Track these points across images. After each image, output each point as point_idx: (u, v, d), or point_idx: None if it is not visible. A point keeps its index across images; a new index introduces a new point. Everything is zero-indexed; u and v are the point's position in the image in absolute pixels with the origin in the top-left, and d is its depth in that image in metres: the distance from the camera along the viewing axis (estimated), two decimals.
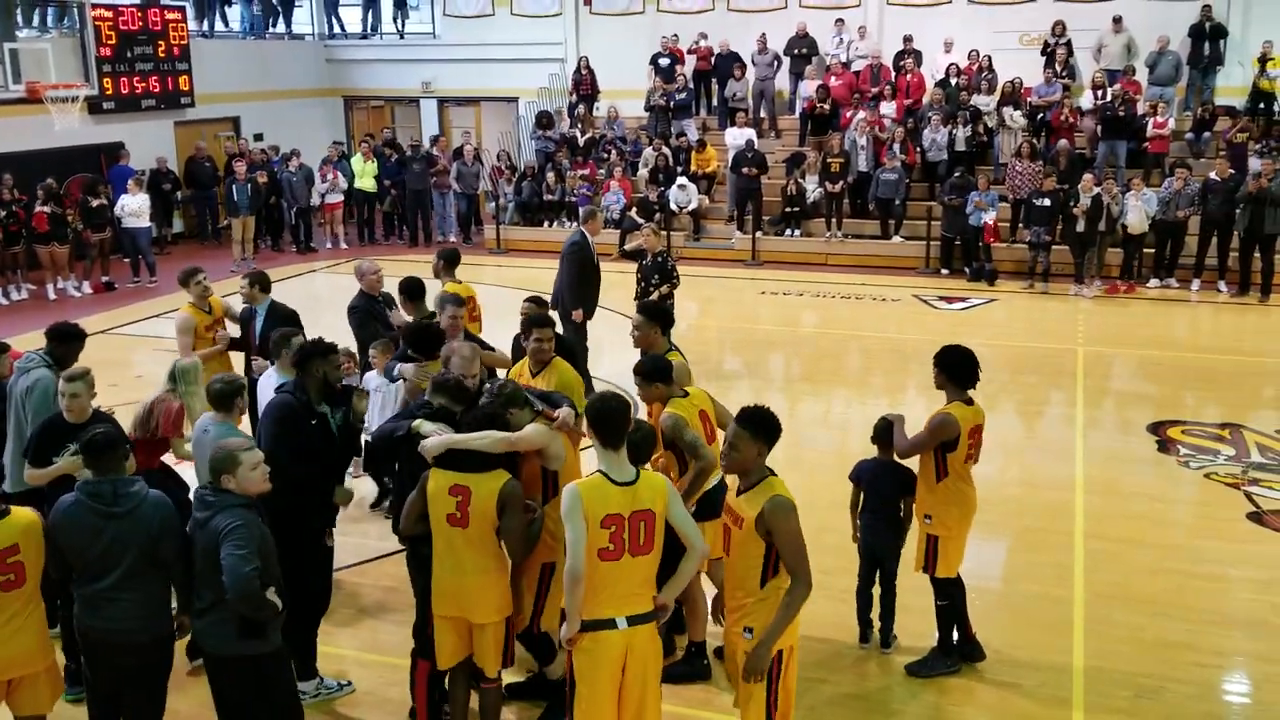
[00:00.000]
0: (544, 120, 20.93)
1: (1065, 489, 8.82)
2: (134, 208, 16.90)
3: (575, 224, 19.10)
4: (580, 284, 10.49)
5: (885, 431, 6.41)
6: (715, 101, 21.05)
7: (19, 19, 18.01)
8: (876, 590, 6.50)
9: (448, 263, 8.95)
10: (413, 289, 8.09)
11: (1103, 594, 7.15)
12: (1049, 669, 6.29)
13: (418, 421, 5.23)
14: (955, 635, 6.27)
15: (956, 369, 6.04)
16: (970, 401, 6.06)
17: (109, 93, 18.74)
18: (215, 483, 4.69)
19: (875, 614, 6.53)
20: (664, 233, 18.00)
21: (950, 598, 6.17)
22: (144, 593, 4.80)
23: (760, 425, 4.64)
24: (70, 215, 16.23)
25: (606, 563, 4.45)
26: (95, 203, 16.66)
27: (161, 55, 19.84)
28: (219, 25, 23.04)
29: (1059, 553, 7.70)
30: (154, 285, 16.73)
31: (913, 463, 6.25)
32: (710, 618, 5.52)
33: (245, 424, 6.90)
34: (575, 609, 4.50)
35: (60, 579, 4.99)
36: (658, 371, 5.72)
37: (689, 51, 20.97)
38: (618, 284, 12.72)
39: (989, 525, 7.67)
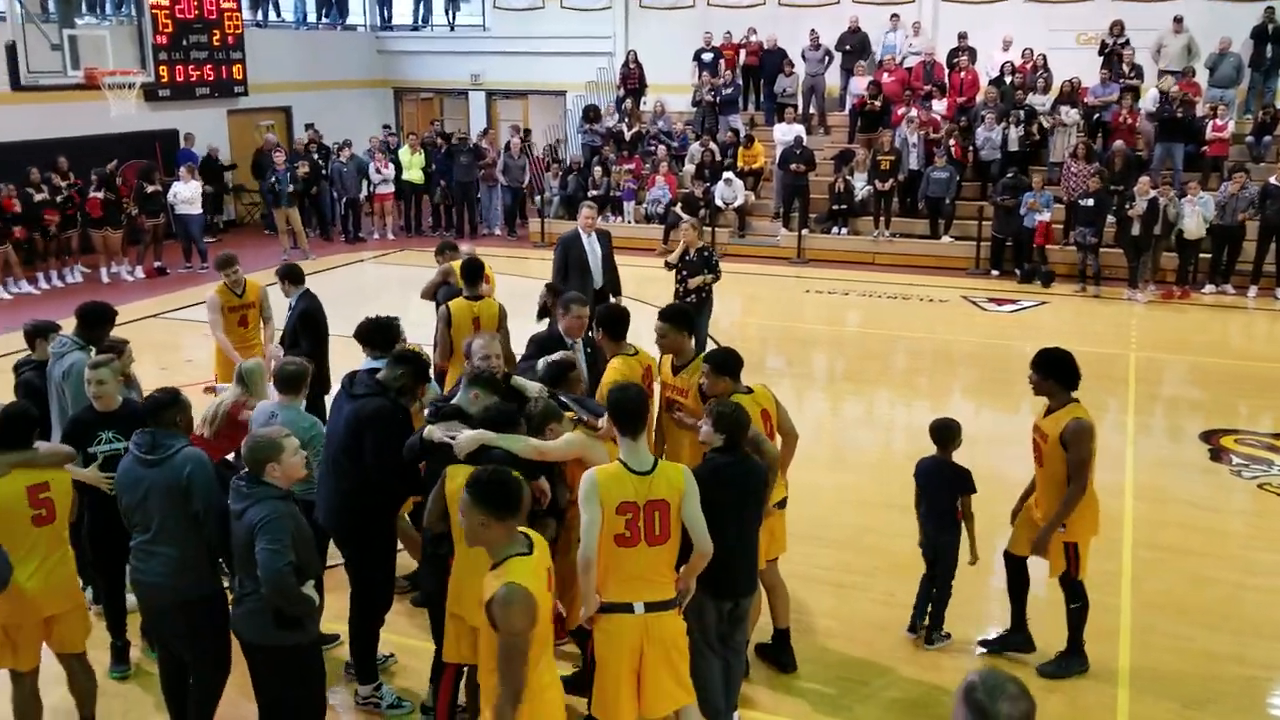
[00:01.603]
0: (591, 114, 20.94)
1: (1114, 496, 8.65)
2: (186, 195, 17.14)
3: (619, 218, 19.23)
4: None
5: (942, 430, 6.35)
6: (763, 97, 20.95)
7: (79, 6, 18.28)
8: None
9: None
10: (473, 270, 8.16)
11: (1150, 603, 7.02)
12: (1093, 677, 6.17)
13: (427, 430, 5.18)
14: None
15: (1058, 367, 5.92)
16: (1078, 401, 5.98)
17: (164, 80, 18.98)
18: (258, 473, 4.65)
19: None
20: (708, 228, 18.00)
21: (1082, 599, 6.10)
22: (180, 548, 4.93)
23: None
24: (125, 201, 16.52)
25: (623, 549, 4.56)
26: (150, 189, 16.93)
27: (216, 44, 20.09)
28: (272, 15, 23.26)
29: (1106, 560, 7.55)
30: (205, 271, 16.92)
31: (971, 462, 6.16)
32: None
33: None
34: (589, 591, 4.62)
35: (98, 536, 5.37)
36: (728, 364, 5.68)
37: (738, 46, 20.88)
38: (664, 279, 12.66)
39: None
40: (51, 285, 16.05)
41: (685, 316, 6.38)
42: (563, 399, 5.62)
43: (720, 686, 5.19)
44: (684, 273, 10.82)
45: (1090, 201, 15.54)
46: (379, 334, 6.18)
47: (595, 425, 5.34)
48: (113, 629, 6.06)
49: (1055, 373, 5.92)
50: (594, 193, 19.52)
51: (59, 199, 15.90)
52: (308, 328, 8.27)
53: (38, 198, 15.58)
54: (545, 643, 4.06)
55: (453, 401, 5.44)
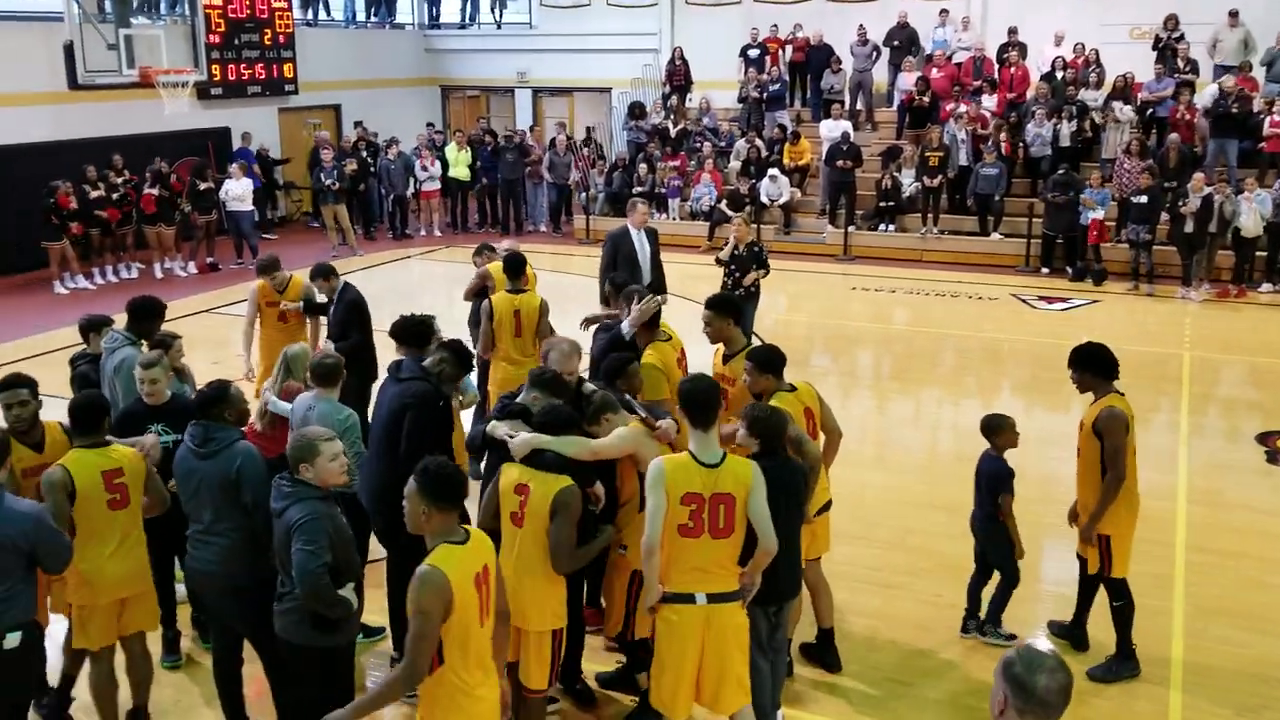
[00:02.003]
0: (636, 111, 20.94)
1: (1167, 498, 8.51)
2: (237, 192, 17.37)
3: (664, 215, 19.22)
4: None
5: (987, 424, 6.33)
6: (810, 93, 20.83)
7: (134, 5, 18.60)
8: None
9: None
10: (515, 265, 8.22)
11: (1204, 608, 6.89)
12: (1145, 682, 6.07)
13: (491, 424, 5.24)
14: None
15: (1092, 360, 5.92)
16: (1122, 394, 5.93)
17: (216, 79, 19.25)
18: (294, 471, 4.66)
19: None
20: (754, 225, 17.93)
21: (1124, 598, 6.04)
22: (231, 538, 5.06)
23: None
24: (179, 198, 16.80)
25: (686, 539, 4.58)
26: (203, 186, 17.18)
27: (267, 43, 20.33)
28: (322, 14, 23.50)
29: (1158, 564, 7.43)
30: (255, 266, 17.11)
31: (1013, 456, 6.10)
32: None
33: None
34: (652, 579, 4.66)
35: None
36: (771, 362, 5.67)
37: (784, 42, 20.79)
38: (710, 276, 12.64)
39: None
40: (107, 280, 16.33)
41: (730, 305, 6.41)
42: (627, 401, 5.63)
43: (768, 687, 5.19)
44: (734, 268, 10.81)
45: (1143, 198, 15.29)
46: (412, 332, 6.21)
47: (653, 424, 5.33)
48: (164, 620, 6.16)
49: (1090, 365, 5.92)
50: (639, 189, 19.55)
51: (115, 196, 16.17)
52: (356, 317, 8.36)
53: (94, 195, 15.86)
54: (473, 641, 4.01)
55: (518, 400, 5.50)
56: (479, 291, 8.83)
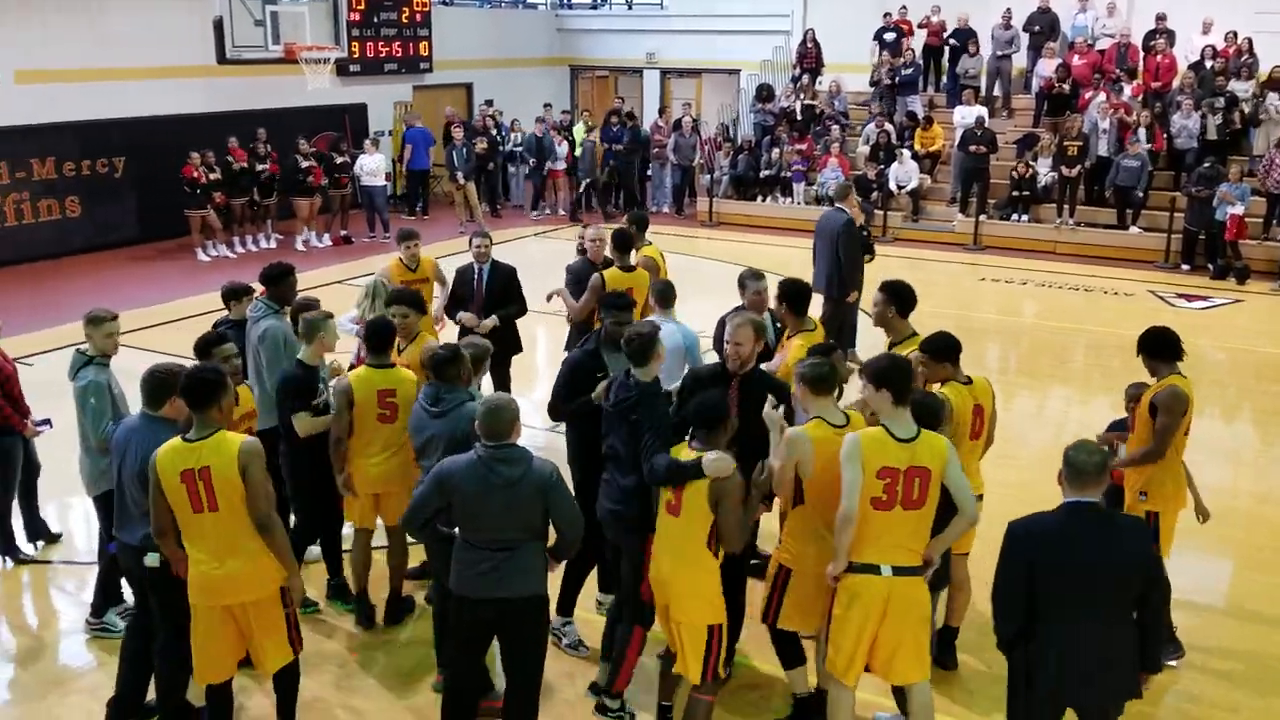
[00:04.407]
0: (764, 93, 20.79)
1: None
2: (371, 167, 17.85)
3: (789, 199, 19.06)
4: (858, 264, 10.65)
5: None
6: (945, 78, 20.37)
7: None
8: None
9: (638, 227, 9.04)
10: (624, 241, 8.38)
11: None
12: (1274, 697, 5.85)
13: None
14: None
15: (1158, 344, 5.88)
16: (1185, 376, 5.85)
17: (355, 56, 19.78)
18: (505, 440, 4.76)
19: None
20: (879, 211, 17.68)
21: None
22: None
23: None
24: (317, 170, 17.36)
25: (879, 511, 4.68)
26: (339, 160, 17.69)
27: (404, 21, 20.80)
28: None
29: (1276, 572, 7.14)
30: (387, 240, 17.58)
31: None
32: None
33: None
34: (843, 548, 4.75)
35: None
36: (945, 351, 5.58)
37: (919, 25, 20.35)
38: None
39: (1214, 540, 7.20)
40: (246, 250, 16.97)
41: (898, 293, 6.35)
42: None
43: None
44: None
45: None
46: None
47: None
48: (331, 569, 6.71)
49: (1151, 349, 5.90)
50: (765, 173, 19.44)
51: (258, 168, 16.78)
52: (517, 287, 8.54)
53: (236, 166, 16.48)
54: None
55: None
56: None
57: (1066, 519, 4.26)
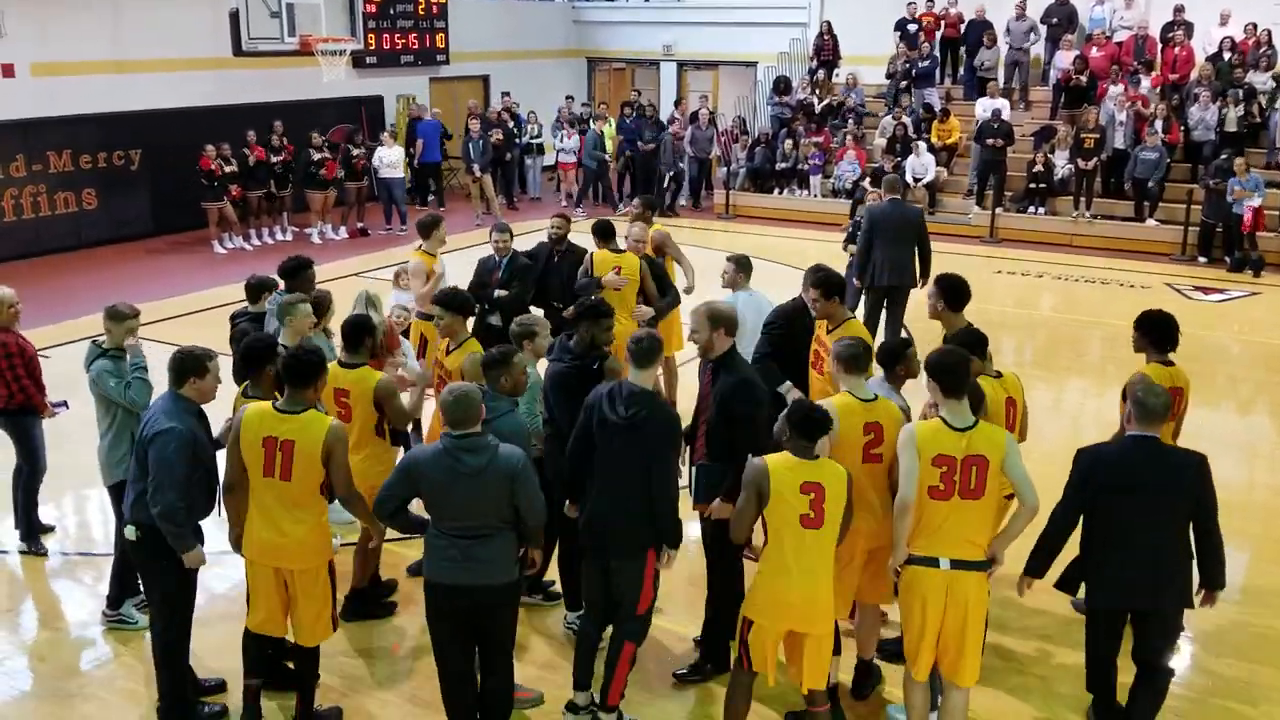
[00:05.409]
0: (781, 86, 20.74)
1: None
2: (389, 159, 17.88)
3: (806, 192, 19.00)
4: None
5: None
6: (962, 70, 20.28)
7: None
8: None
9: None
10: (605, 230, 8.64)
11: None
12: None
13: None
14: None
15: (1154, 327, 5.99)
16: (1169, 363, 5.93)
17: (371, 48, 19.81)
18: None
19: None
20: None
21: None
22: None
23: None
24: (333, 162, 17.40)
25: (935, 500, 4.69)
26: (355, 152, 17.72)
27: (420, 13, 20.83)
28: None
29: None
30: (404, 233, 17.62)
31: None
32: None
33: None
34: (901, 538, 4.78)
35: None
36: (973, 344, 5.55)
37: (939, 18, 20.26)
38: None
39: (1231, 533, 7.06)
40: (263, 242, 17.02)
41: (953, 291, 6.30)
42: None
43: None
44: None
45: None
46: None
47: None
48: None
49: (1146, 329, 6.06)
50: (782, 165, 19.39)
51: (274, 160, 16.82)
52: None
53: (252, 158, 16.52)
54: None
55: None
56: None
57: (1131, 447, 4.82)
